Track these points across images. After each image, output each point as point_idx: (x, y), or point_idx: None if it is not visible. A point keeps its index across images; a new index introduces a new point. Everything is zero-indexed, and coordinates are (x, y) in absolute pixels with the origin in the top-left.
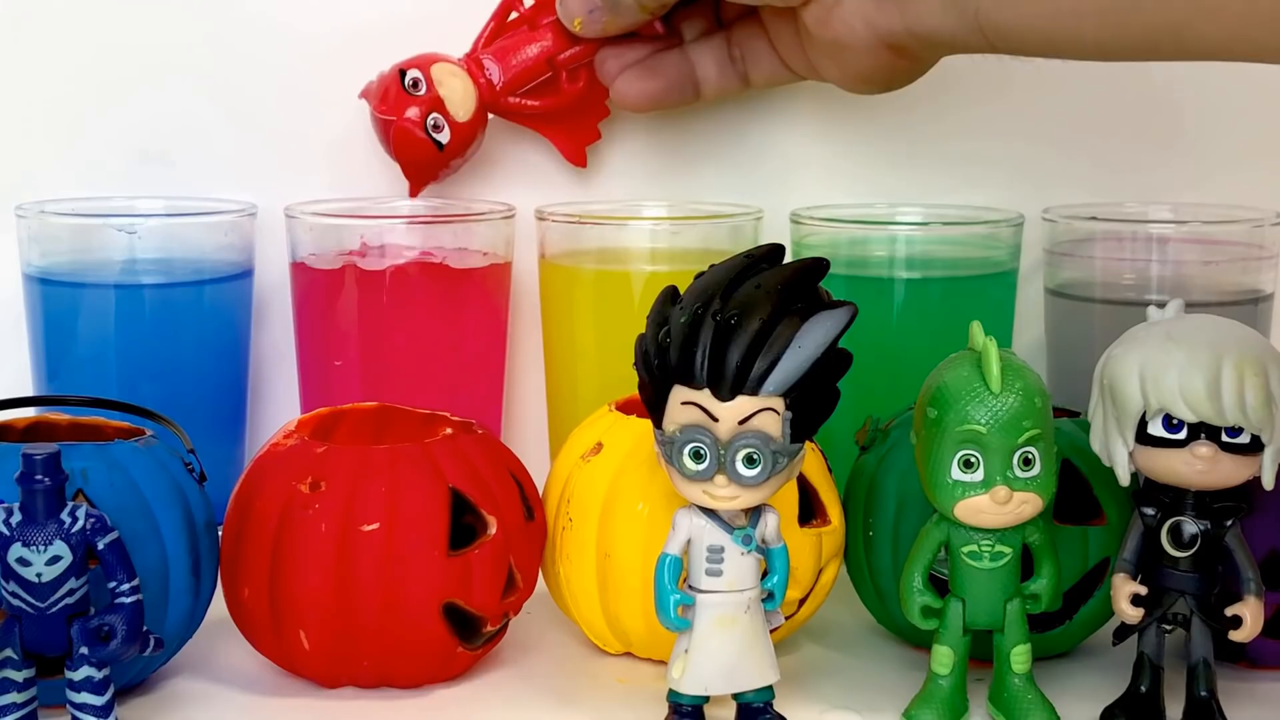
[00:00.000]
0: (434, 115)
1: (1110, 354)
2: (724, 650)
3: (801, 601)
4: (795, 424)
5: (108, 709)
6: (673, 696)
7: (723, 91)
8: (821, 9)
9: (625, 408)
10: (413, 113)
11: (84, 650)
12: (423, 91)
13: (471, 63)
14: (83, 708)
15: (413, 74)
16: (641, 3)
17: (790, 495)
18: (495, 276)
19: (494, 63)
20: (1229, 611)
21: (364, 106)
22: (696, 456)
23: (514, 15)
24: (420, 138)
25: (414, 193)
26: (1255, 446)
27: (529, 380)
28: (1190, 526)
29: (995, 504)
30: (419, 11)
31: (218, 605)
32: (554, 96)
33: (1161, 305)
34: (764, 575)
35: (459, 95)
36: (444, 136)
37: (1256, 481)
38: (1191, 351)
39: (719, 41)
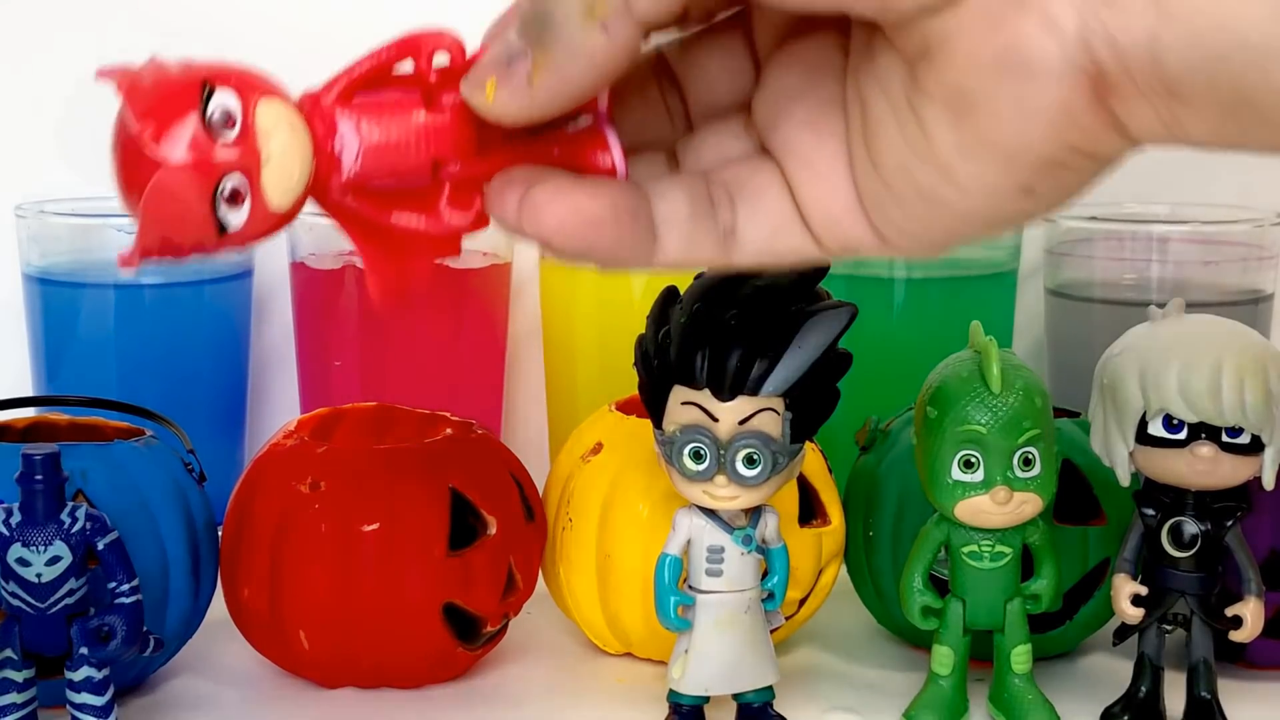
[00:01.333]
0: (234, 179)
1: (1110, 354)
2: (724, 651)
3: (802, 602)
4: (795, 424)
5: (107, 709)
6: (673, 697)
7: (690, 247)
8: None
9: (625, 408)
10: (195, 158)
11: (84, 650)
12: (232, 135)
13: (317, 115)
14: (82, 708)
15: (225, 99)
16: (591, 7)
17: (790, 495)
18: (495, 276)
19: (353, 130)
20: (1229, 612)
21: None
22: (696, 457)
23: (407, 67)
24: (197, 205)
25: (130, 261)
26: (1255, 447)
27: (529, 380)
28: (1191, 527)
29: (995, 504)
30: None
31: (217, 605)
32: (420, 214)
33: (1161, 305)
34: (764, 575)
35: (288, 164)
36: (236, 218)
37: (1256, 482)
38: (1191, 352)
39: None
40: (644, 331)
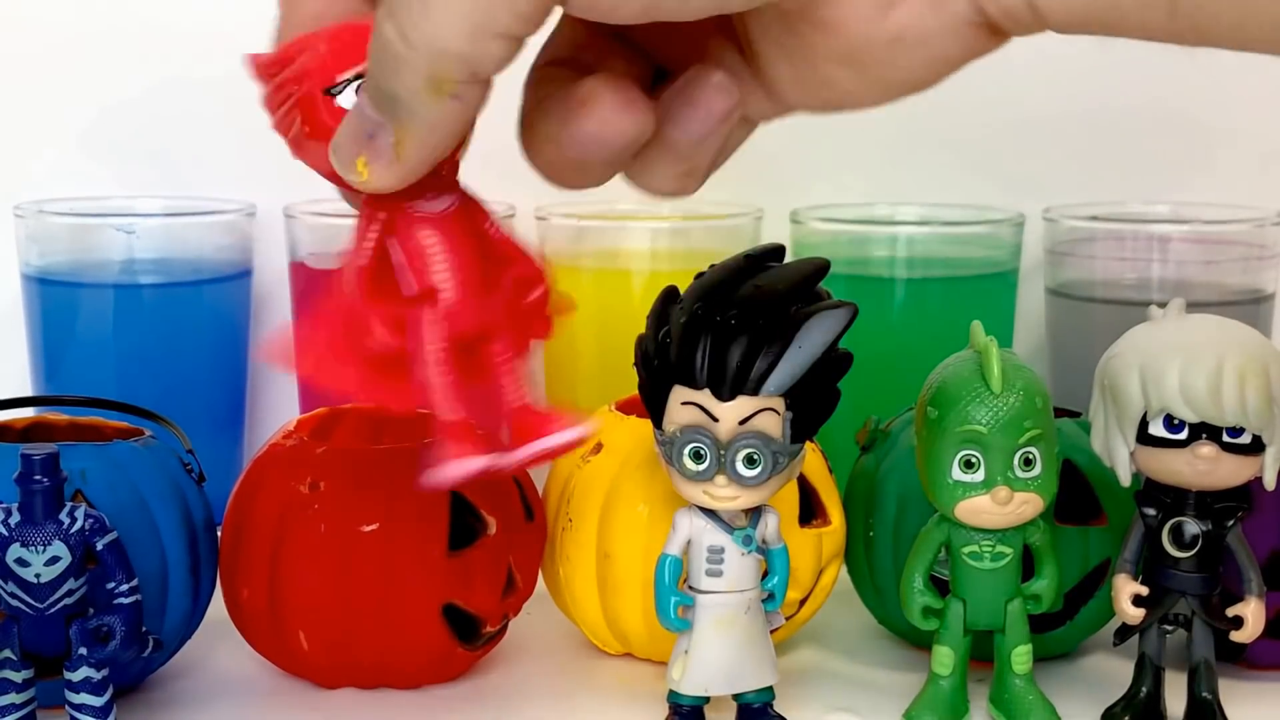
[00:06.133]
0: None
1: (1110, 354)
2: (724, 651)
3: (802, 602)
4: (795, 424)
5: (106, 710)
6: (672, 697)
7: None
8: None
9: (625, 408)
10: None
11: (83, 651)
12: None
13: None
14: (81, 708)
15: None
16: (435, 79)
17: (791, 495)
18: None
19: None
20: (1230, 612)
21: None
22: (696, 457)
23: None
24: None
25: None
26: (1256, 447)
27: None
28: (1191, 527)
29: (996, 504)
30: None
31: (217, 606)
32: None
33: (1162, 305)
34: (764, 576)
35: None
36: None
37: (1257, 482)
38: (1192, 352)
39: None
40: (644, 331)
